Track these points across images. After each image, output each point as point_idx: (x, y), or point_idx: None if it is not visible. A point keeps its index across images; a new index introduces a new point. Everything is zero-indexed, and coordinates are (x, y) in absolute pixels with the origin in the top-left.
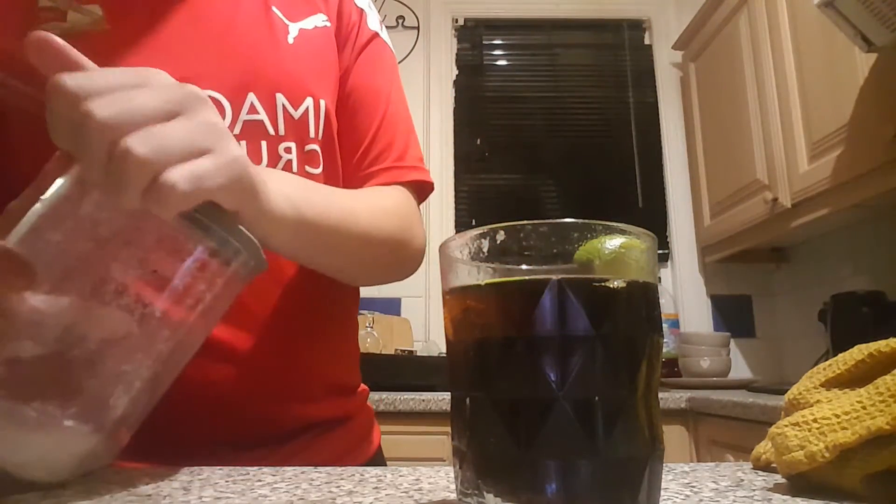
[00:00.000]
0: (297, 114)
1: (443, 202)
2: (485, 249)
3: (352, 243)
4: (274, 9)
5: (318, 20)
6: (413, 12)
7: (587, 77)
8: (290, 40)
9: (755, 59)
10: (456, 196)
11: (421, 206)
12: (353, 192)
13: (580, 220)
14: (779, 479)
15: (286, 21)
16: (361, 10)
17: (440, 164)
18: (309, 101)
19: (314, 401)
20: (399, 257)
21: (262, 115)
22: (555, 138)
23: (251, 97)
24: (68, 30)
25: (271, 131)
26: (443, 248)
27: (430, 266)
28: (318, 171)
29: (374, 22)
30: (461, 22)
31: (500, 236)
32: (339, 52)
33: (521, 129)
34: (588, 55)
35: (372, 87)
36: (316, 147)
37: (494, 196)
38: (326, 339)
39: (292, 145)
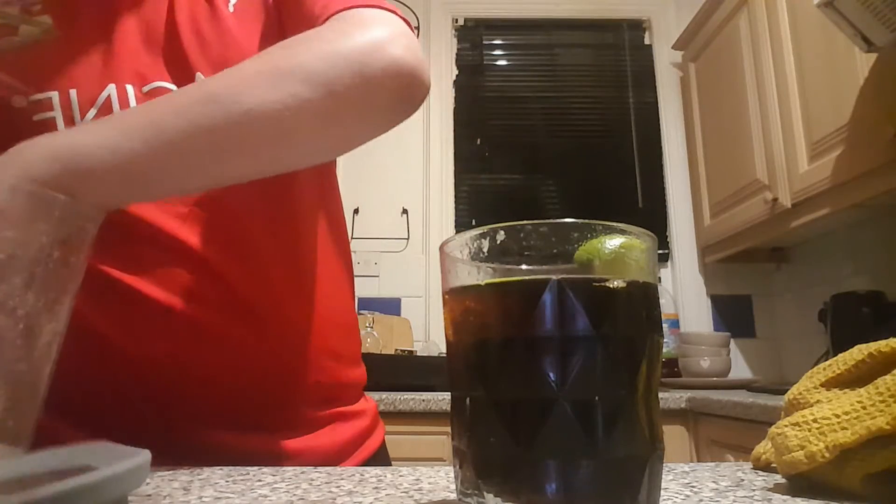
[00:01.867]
0: None
1: (443, 202)
2: (485, 249)
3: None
4: None
5: None
6: (413, 12)
7: (587, 77)
8: (231, 8)
9: (755, 59)
10: (456, 196)
11: (421, 206)
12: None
13: (580, 220)
14: (779, 479)
15: None
16: None
17: (440, 164)
18: None
19: (318, 379)
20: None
21: None
22: (555, 138)
23: (199, 78)
24: (20, 43)
25: None
26: (443, 248)
27: (430, 266)
28: None
29: None
30: (461, 22)
31: (500, 236)
32: None
33: (521, 129)
34: (588, 55)
35: None
36: None
37: (494, 196)
38: (325, 317)
39: None
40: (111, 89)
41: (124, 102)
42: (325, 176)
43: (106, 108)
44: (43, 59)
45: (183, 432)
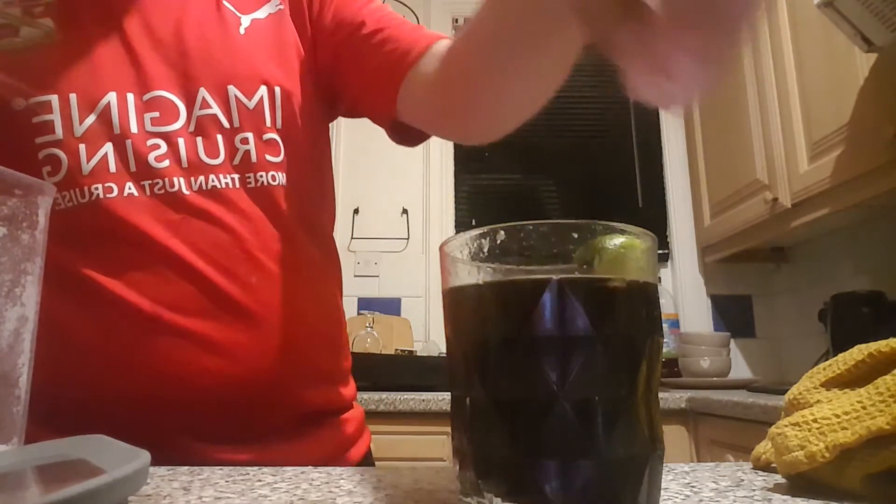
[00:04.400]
0: (251, 104)
1: (443, 202)
2: (485, 249)
3: None
4: (225, 3)
5: (271, 7)
6: (413, 12)
7: (587, 77)
8: (242, 31)
9: (755, 59)
10: (456, 196)
11: (421, 206)
12: None
13: (580, 220)
14: (779, 479)
15: (238, 14)
16: None
17: (440, 163)
18: (263, 90)
19: (307, 387)
20: None
21: (216, 109)
22: (555, 138)
23: (202, 92)
24: (22, 44)
25: (226, 124)
26: (443, 248)
27: (430, 266)
28: (279, 159)
29: None
30: (461, 22)
31: (500, 236)
32: (305, 20)
33: (520, 129)
34: (588, 55)
35: (361, 10)
36: (274, 136)
37: (494, 196)
38: (315, 325)
39: (249, 135)
40: (111, 97)
41: (123, 110)
42: (319, 191)
43: (105, 115)
44: (44, 61)
45: (161, 441)
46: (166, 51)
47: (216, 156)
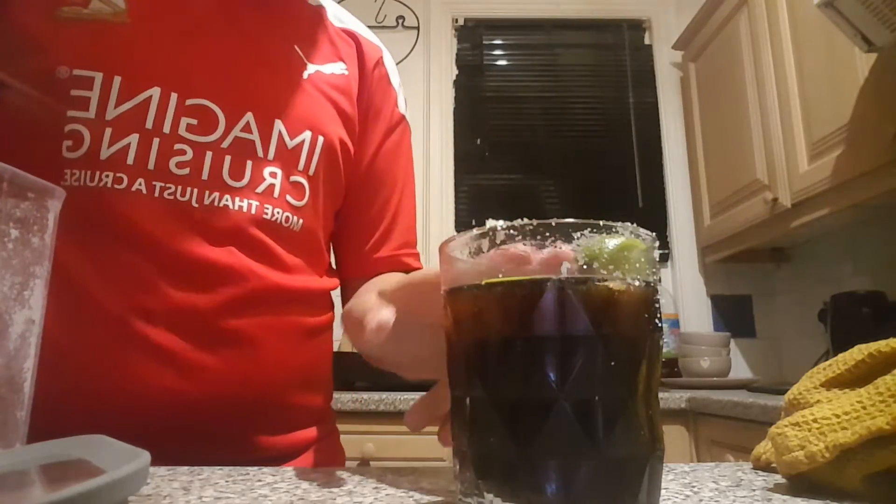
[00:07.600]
0: (291, 143)
1: (443, 202)
2: (485, 249)
3: None
4: (296, 47)
5: (337, 68)
6: (413, 12)
7: (587, 77)
8: (305, 76)
9: (755, 59)
10: (456, 196)
11: (421, 206)
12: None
13: (580, 220)
14: (779, 479)
15: (305, 60)
16: (395, 91)
17: (440, 164)
18: (307, 135)
19: (271, 429)
20: None
21: (255, 136)
22: (555, 138)
23: (248, 116)
24: (88, 16)
25: (260, 153)
26: (443, 248)
27: (430, 266)
28: (301, 203)
29: (402, 104)
30: (461, 22)
31: (500, 236)
32: (362, 117)
33: (521, 129)
34: (588, 55)
35: (391, 173)
36: (302, 180)
37: (494, 196)
38: (298, 362)
39: (278, 171)
40: (154, 91)
41: (163, 108)
42: (328, 240)
43: (142, 107)
44: (102, 37)
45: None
46: (230, 66)
47: (239, 179)
